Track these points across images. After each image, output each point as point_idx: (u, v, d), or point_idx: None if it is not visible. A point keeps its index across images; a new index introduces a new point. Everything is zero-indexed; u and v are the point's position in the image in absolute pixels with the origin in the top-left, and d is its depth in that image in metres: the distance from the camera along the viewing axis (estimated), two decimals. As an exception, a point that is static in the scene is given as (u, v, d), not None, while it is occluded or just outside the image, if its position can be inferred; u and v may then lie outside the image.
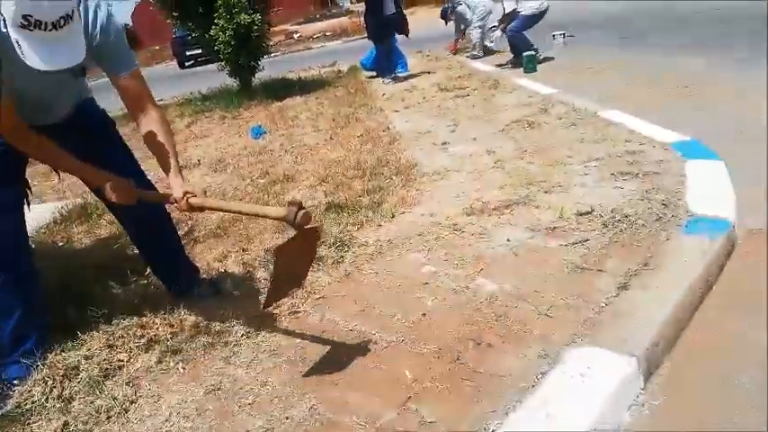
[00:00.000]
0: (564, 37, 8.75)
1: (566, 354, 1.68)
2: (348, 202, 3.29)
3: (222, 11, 7.94)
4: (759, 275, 2.13)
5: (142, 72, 2.08)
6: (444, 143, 4.28)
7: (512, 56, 7.86)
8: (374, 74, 8.71)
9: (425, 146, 4.34)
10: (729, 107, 4.25)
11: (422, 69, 8.75)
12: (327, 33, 25.03)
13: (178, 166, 2.02)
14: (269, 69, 12.56)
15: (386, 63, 8.05)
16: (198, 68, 19.71)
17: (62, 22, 1.55)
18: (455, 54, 10.04)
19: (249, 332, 2.07)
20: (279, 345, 1.98)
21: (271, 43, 10.10)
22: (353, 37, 21.66)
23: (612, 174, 3.03)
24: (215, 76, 9.87)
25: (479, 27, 9.27)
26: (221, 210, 2.08)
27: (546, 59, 7.66)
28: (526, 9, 7.42)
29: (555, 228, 2.51)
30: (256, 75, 9.57)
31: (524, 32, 7.49)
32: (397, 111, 5.90)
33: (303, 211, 1.70)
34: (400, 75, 8.25)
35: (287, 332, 2.04)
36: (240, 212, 2.06)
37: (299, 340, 1.99)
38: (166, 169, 1.99)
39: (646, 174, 2.94)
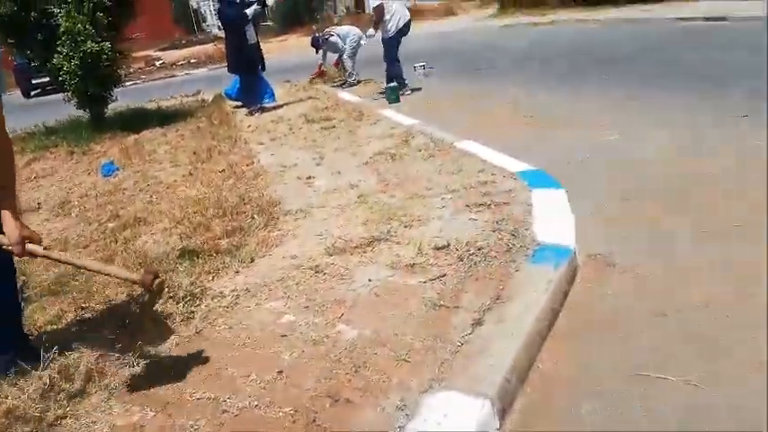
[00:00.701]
0: (424, 68, 9.15)
1: (423, 402, 1.65)
2: (205, 247, 3.08)
3: (65, 38, 7.30)
4: (598, 299, 2.29)
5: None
6: (309, 177, 4.21)
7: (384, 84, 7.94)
8: (239, 104, 8.48)
9: (290, 181, 4.24)
10: (569, 135, 4.65)
11: (289, 99, 8.67)
12: (192, 60, 24.13)
13: (16, 205, 1.83)
14: (127, 99, 11.76)
15: (251, 93, 7.86)
16: (47, 98, 17.96)
17: None
18: (320, 77, 10.09)
19: (77, 412, 1.81)
20: (113, 425, 1.75)
21: (130, 71, 9.46)
22: (219, 65, 21.08)
23: (467, 205, 3.14)
24: (66, 107, 8.98)
25: (351, 57, 9.43)
26: (66, 262, 1.88)
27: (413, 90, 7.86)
28: (388, 31, 7.38)
29: (414, 264, 2.52)
30: (109, 105, 8.88)
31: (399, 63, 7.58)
32: (262, 143, 5.74)
33: (159, 280, 1.76)
34: (267, 105, 8.11)
35: (124, 408, 1.81)
36: (86, 268, 1.93)
37: (137, 417, 1.77)
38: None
39: (497, 204, 3.08)
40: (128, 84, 19.13)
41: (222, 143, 6.10)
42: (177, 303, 2.38)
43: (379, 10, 7.27)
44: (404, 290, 2.33)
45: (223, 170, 4.98)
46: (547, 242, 2.56)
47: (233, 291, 2.50)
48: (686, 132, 4.24)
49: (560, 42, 10.78)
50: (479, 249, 2.54)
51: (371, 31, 7.74)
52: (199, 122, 7.93)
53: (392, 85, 7.44)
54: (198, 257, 2.92)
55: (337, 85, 9.65)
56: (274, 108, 8.11)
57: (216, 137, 6.53)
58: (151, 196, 4.61)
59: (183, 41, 41.88)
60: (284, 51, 21.24)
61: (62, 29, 7.26)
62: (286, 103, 8.22)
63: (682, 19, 11.14)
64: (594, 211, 3.12)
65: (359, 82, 9.69)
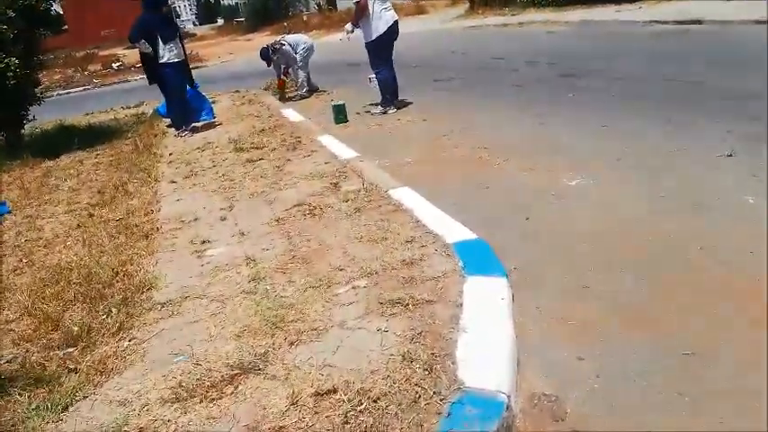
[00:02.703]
0: (379, 79, 8.37)
1: None
2: (24, 371, 2.29)
3: (-39, 55, 6.40)
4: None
5: None
6: (204, 242, 3.42)
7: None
8: (172, 123, 7.64)
9: (181, 246, 3.44)
10: (525, 177, 3.93)
11: (229, 116, 7.84)
12: (152, 62, 22.94)
13: None
14: (66, 109, 10.90)
15: (178, 114, 7.02)
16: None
17: None
18: (282, 90, 9.06)
19: None
20: None
21: (53, 89, 8.51)
22: (179, 67, 20.06)
23: (381, 303, 2.38)
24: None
25: (303, 67, 8.62)
26: None
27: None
28: (371, 34, 6.30)
29: (280, 428, 1.76)
30: (34, 123, 7.95)
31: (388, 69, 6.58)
32: (174, 182, 4.92)
33: None
34: (199, 124, 7.28)
35: None
36: None
37: None
38: None
39: (417, 304, 2.33)
40: (76, 90, 18.13)
41: (134, 178, 5.28)
42: None
43: (362, 5, 6.18)
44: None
45: (119, 220, 4.19)
46: (471, 387, 1.82)
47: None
48: (660, 176, 3.55)
49: (526, 49, 10.07)
50: (375, 402, 1.79)
51: (349, 26, 6.60)
52: (125, 145, 7.08)
53: (338, 103, 6.66)
54: (2, 397, 2.12)
55: (296, 96, 8.80)
56: (209, 127, 7.29)
57: (132, 168, 5.70)
58: (21, 260, 3.79)
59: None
60: (247, 52, 20.21)
61: (-43, 45, 6.37)
62: (222, 123, 7.40)
63: (655, 22, 10.53)
64: (544, 308, 2.39)
65: (312, 92, 8.91)
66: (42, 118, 9.78)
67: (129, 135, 7.73)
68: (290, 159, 5.02)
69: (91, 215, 4.43)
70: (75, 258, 3.55)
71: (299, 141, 5.61)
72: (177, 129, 7.00)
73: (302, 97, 8.79)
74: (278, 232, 3.39)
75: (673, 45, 8.26)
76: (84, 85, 18.35)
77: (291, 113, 7.29)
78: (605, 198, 3.42)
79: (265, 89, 9.99)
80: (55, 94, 17.77)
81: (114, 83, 18.64)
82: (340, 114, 6.59)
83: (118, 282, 3.07)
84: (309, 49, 8.72)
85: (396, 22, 6.40)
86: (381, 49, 6.42)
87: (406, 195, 3.63)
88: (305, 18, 34.13)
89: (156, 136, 7.25)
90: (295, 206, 3.76)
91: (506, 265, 2.70)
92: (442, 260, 2.71)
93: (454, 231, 2.99)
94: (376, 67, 6.58)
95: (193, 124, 7.13)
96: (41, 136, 8.49)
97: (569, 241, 2.96)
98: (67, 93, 17.45)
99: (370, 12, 6.17)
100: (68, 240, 3.96)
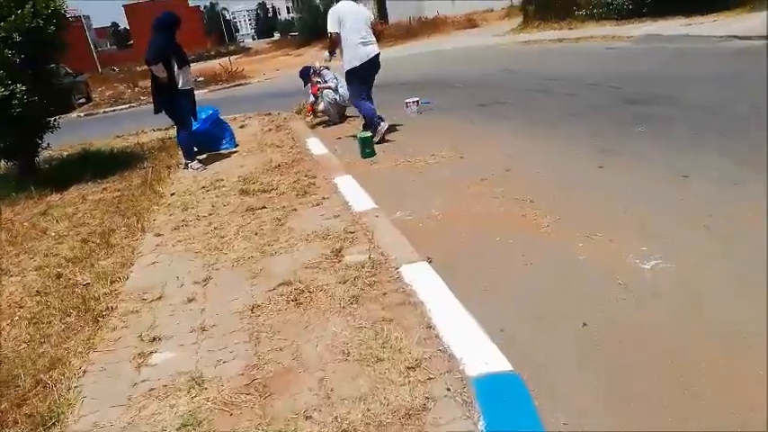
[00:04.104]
0: (418, 105, 7.56)
1: None
2: None
3: (-34, 83, 5.98)
4: None
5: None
6: (154, 340, 2.65)
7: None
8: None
9: (125, 345, 2.67)
10: (583, 253, 2.97)
11: (251, 146, 7.19)
12: (200, 78, 22.99)
13: None
14: (105, 128, 10.63)
15: (190, 145, 6.40)
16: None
17: None
18: (314, 116, 8.37)
19: None
20: None
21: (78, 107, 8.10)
22: (223, 85, 19.94)
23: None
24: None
25: (335, 98, 7.87)
26: None
27: (395, 127, 6.24)
28: (345, 63, 6.15)
29: None
30: (44, 153, 7.51)
31: (365, 100, 6.19)
32: (160, 235, 4.22)
33: None
34: (202, 157, 6.66)
35: None
36: None
37: None
38: None
39: None
40: (122, 108, 18.16)
41: (124, 226, 4.63)
42: None
43: (333, 38, 6.16)
44: None
45: (86, 285, 3.51)
46: None
47: None
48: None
49: (585, 68, 9.02)
50: None
51: (326, 54, 6.69)
52: (136, 176, 6.52)
53: (365, 135, 5.87)
54: None
55: (320, 123, 8.11)
56: (228, 155, 6.68)
57: (128, 211, 5.05)
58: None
59: (212, 52, 41.42)
60: (293, 69, 19.83)
61: (-38, 73, 5.96)
62: (238, 153, 6.77)
63: (734, 37, 9.26)
64: None
65: (342, 116, 8.14)
66: (82, 137, 9.60)
67: (146, 164, 7.19)
68: (296, 209, 4.24)
69: (59, 276, 3.78)
70: (11, 345, 2.88)
71: (313, 183, 4.85)
72: (187, 159, 6.38)
73: (333, 123, 8.07)
74: (247, 330, 2.58)
75: (759, 65, 7.05)
76: (130, 103, 18.34)
77: (315, 144, 6.55)
78: (692, 292, 2.46)
79: (297, 112, 9.34)
80: (101, 111, 17.91)
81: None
82: (366, 148, 5.79)
83: (33, 396, 2.35)
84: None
85: (374, 58, 6.12)
86: (356, 80, 6.24)
87: (421, 277, 2.77)
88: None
89: (169, 168, 6.66)
90: (281, 285, 2.96)
91: (551, 418, 1.81)
92: (454, 412, 1.83)
93: (479, 353, 2.10)
94: (354, 98, 6.46)
95: (197, 158, 6.48)
96: (60, 163, 8.08)
97: (647, 373, 2.02)
98: (113, 110, 17.47)
99: (344, 42, 6.04)
100: (18, 314, 3.30)
